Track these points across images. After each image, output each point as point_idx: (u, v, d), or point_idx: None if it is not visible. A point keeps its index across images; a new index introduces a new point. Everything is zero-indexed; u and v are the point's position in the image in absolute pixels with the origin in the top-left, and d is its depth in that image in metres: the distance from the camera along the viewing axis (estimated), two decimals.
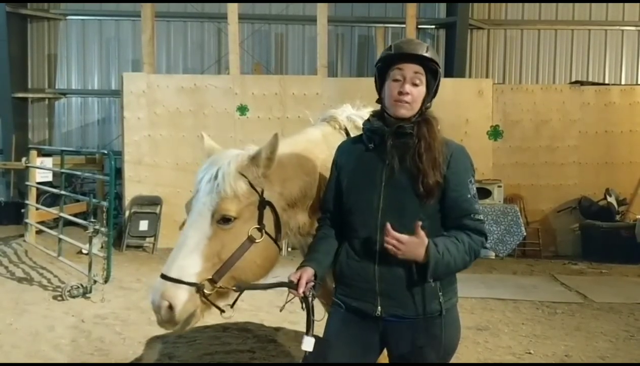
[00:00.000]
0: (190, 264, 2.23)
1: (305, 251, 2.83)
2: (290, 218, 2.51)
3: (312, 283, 2.24)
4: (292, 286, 2.21)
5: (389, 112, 2.28)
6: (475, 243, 2.22)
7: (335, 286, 2.41)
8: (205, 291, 2.20)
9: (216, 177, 2.31)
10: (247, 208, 2.32)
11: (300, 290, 2.19)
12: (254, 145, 2.48)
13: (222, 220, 2.27)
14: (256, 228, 2.32)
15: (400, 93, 2.22)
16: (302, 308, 2.26)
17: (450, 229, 2.23)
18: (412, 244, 2.09)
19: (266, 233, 2.34)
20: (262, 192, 2.36)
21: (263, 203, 2.35)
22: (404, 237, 2.08)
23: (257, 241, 2.30)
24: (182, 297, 2.19)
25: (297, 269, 2.29)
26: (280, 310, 2.33)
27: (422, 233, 2.09)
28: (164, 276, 2.22)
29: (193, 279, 2.20)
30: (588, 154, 9.88)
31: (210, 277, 2.22)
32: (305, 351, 2.21)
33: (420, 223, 2.09)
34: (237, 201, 2.29)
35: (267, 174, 2.37)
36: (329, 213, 2.45)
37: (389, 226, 2.09)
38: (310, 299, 2.23)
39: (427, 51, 2.25)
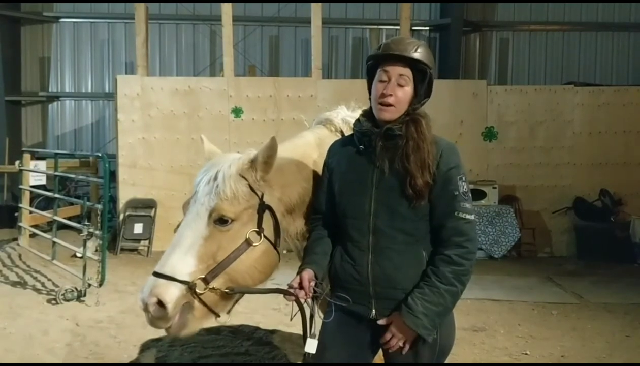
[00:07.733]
0: (184, 263, 2.19)
1: (301, 254, 2.82)
2: (290, 225, 2.49)
3: (314, 282, 2.22)
4: (288, 292, 2.19)
5: (375, 114, 2.27)
6: (458, 265, 2.13)
7: (330, 288, 2.39)
8: (197, 290, 2.17)
9: (216, 178, 2.28)
10: (246, 210, 2.29)
11: (303, 294, 2.18)
12: (250, 147, 2.45)
13: (219, 221, 2.24)
14: (255, 231, 2.29)
15: (383, 94, 2.20)
16: (311, 307, 2.24)
17: (434, 229, 2.20)
18: (398, 333, 2.14)
19: (265, 237, 2.32)
20: (262, 196, 2.33)
21: (263, 207, 2.32)
22: (391, 340, 2.16)
23: (254, 244, 2.28)
24: (173, 293, 2.14)
25: (297, 273, 2.27)
26: (291, 319, 2.31)
27: (390, 327, 2.16)
28: (156, 274, 2.19)
29: (186, 278, 2.17)
30: (582, 155, 9.90)
31: (203, 277, 2.19)
32: (307, 353, 2.19)
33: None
34: (236, 203, 2.26)
35: (265, 178, 2.34)
36: (322, 214, 2.44)
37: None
38: (315, 300, 2.21)
39: (416, 51, 2.20)
